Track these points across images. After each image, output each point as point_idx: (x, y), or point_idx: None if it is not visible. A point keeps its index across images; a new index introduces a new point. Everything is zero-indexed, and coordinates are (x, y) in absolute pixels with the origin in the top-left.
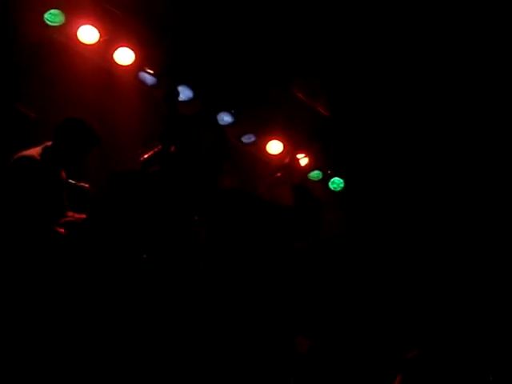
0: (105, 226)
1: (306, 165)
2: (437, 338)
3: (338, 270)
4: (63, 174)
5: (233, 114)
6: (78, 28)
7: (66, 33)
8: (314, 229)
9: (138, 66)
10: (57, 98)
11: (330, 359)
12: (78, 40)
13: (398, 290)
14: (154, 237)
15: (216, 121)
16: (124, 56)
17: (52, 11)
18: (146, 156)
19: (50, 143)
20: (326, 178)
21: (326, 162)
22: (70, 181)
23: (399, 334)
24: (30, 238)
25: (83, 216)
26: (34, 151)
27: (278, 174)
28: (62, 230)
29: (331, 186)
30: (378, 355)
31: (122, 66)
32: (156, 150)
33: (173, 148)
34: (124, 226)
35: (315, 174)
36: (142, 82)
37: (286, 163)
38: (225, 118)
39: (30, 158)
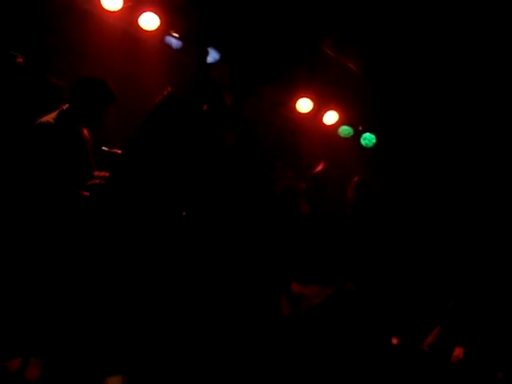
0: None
1: (337, 121)
2: (474, 290)
3: (373, 226)
4: (86, 133)
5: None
6: None
7: (89, 0)
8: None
9: (164, 30)
10: (85, 66)
11: (367, 312)
12: (102, 7)
13: (432, 243)
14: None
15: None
16: (149, 21)
17: None
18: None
19: (65, 106)
20: (358, 134)
21: (357, 118)
22: (104, 148)
23: (436, 286)
24: (55, 203)
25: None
26: (50, 116)
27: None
28: (87, 194)
29: (363, 142)
30: (416, 307)
31: (147, 31)
32: (166, 93)
33: (205, 106)
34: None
35: (346, 130)
36: (169, 47)
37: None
38: None
39: (45, 124)
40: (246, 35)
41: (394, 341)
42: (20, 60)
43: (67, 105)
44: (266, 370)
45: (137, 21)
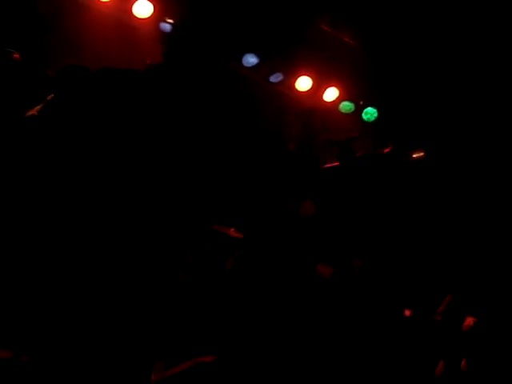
0: None
1: (338, 98)
2: (484, 259)
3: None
4: (74, 121)
5: (258, 55)
6: None
7: None
8: None
9: (158, 17)
10: (80, 56)
11: (375, 287)
12: None
13: (442, 213)
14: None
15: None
16: (142, 8)
17: None
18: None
19: (50, 96)
20: (359, 110)
21: (358, 93)
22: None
23: (447, 256)
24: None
25: None
26: (35, 108)
27: None
28: None
29: (364, 116)
30: (426, 279)
31: (141, 19)
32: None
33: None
34: None
35: (347, 106)
36: (164, 33)
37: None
38: (250, 60)
39: (28, 117)
40: (241, 14)
41: (407, 312)
42: (16, 56)
43: (52, 95)
44: (278, 345)
45: (130, 9)
